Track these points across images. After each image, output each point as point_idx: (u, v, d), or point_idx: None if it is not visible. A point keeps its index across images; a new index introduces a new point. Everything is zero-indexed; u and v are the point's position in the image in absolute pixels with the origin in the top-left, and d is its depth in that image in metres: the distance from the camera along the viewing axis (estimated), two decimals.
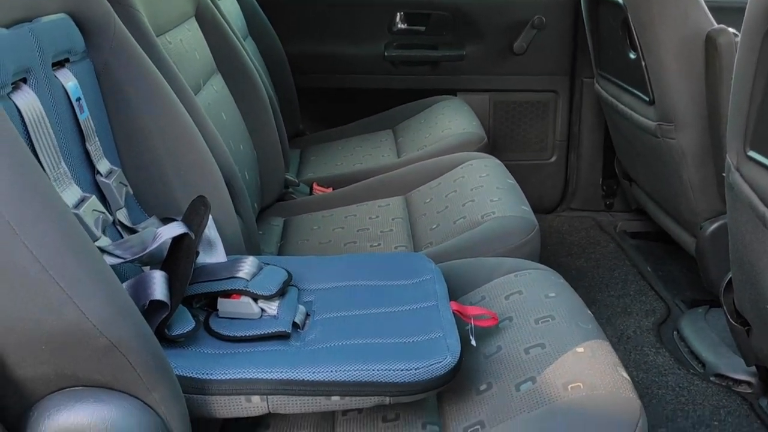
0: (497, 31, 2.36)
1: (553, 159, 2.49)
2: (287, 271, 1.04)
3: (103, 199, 0.96)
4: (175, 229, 0.89)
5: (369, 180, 1.77)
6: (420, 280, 1.06)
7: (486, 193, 1.49)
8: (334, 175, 1.94)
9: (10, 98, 0.77)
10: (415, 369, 0.82)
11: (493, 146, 2.42)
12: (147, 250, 0.88)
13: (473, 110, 2.31)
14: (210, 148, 1.17)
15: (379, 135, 2.22)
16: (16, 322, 0.64)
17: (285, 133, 1.86)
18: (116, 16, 1.05)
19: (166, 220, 1.08)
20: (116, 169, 1.00)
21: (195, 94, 1.36)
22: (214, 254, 1.06)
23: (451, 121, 2.06)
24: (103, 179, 0.95)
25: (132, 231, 0.99)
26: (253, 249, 1.31)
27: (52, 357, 0.65)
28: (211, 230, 1.06)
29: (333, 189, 1.87)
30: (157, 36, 1.25)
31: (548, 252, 2.23)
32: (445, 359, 0.84)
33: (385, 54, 2.36)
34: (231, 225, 1.17)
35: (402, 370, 0.82)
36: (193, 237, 0.88)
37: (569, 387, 0.84)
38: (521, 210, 1.40)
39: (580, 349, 0.91)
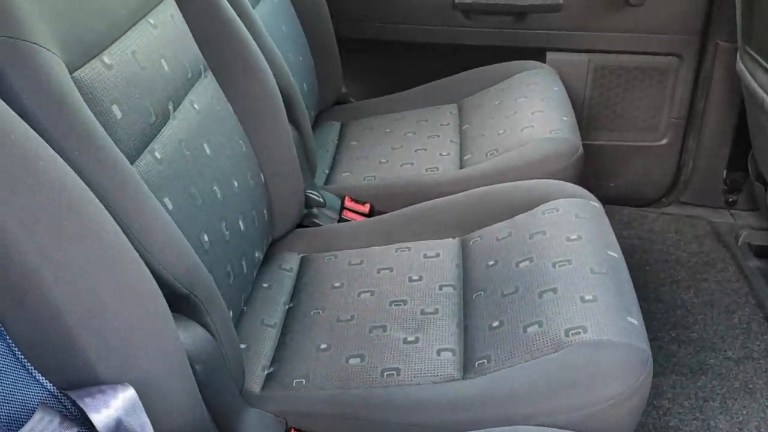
0: None
1: (664, 141, 1.94)
2: None
3: None
4: None
5: (417, 208, 1.32)
6: None
7: (581, 277, 1.02)
8: (373, 184, 1.50)
9: None
10: None
11: (588, 122, 1.91)
12: None
13: (567, 78, 1.79)
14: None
15: (441, 113, 1.73)
16: None
17: (311, 137, 1.42)
18: None
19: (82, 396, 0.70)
20: None
21: (157, 134, 0.93)
22: None
23: (536, 111, 1.54)
24: None
25: None
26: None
27: None
28: None
29: (370, 207, 1.44)
30: (85, 62, 0.82)
31: (648, 275, 1.75)
32: None
33: (456, 0, 1.81)
34: None
35: None
36: None
37: None
38: (634, 336, 0.93)
39: None
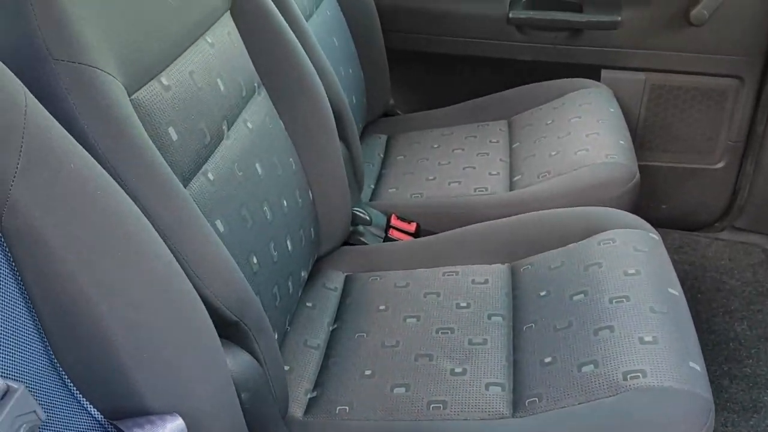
0: None
1: (720, 165, 1.87)
2: None
3: None
4: None
5: (465, 230, 1.29)
6: None
7: (639, 316, 0.98)
8: (420, 202, 1.47)
9: None
10: None
11: (642, 143, 1.85)
12: None
13: (622, 97, 1.74)
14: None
15: (491, 129, 1.69)
16: None
17: (359, 153, 1.40)
18: (30, 107, 0.61)
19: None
20: (16, 386, 0.60)
21: (210, 155, 0.92)
22: None
23: (590, 133, 1.50)
24: None
25: None
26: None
27: None
28: None
29: (417, 226, 1.41)
30: (144, 84, 0.81)
31: (700, 304, 1.69)
32: None
33: (510, 15, 1.77)
34: None
35: None
36: None
37: None
38: (697, 383, 0.89)
39: None
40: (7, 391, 0.58)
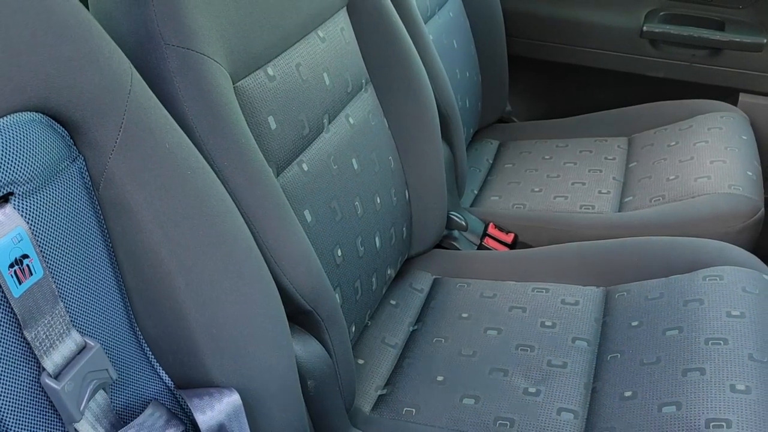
0: None
1: None
2: None
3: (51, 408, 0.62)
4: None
5: (562, 247, 1.25)
6: None
7: (735, 362, 0.91)
8: (521, 213, 1.43)
9: None
10: None
11: None
12: None
13: (759, 125, 1.61)
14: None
15: (608, 146, 1.62)
16: None
17: (463, 157, 1.38)
18: (135, 86, 0.66)
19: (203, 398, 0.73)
20: (93, 344, 0.65)
21: (307, 146, 0.95)
22: None
23: (716, 160, 1.40)
24: (52, 383, 0.60)
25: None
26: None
27: None
28: None
29: (514, 238, 1.38)
30: (250, 73, 0.84)
31: None
32: None
33: (644, 27, 1.69)
34: None
35: None
36: None
37: None
38: None
39: None
40: (84, 348, 0.62)
